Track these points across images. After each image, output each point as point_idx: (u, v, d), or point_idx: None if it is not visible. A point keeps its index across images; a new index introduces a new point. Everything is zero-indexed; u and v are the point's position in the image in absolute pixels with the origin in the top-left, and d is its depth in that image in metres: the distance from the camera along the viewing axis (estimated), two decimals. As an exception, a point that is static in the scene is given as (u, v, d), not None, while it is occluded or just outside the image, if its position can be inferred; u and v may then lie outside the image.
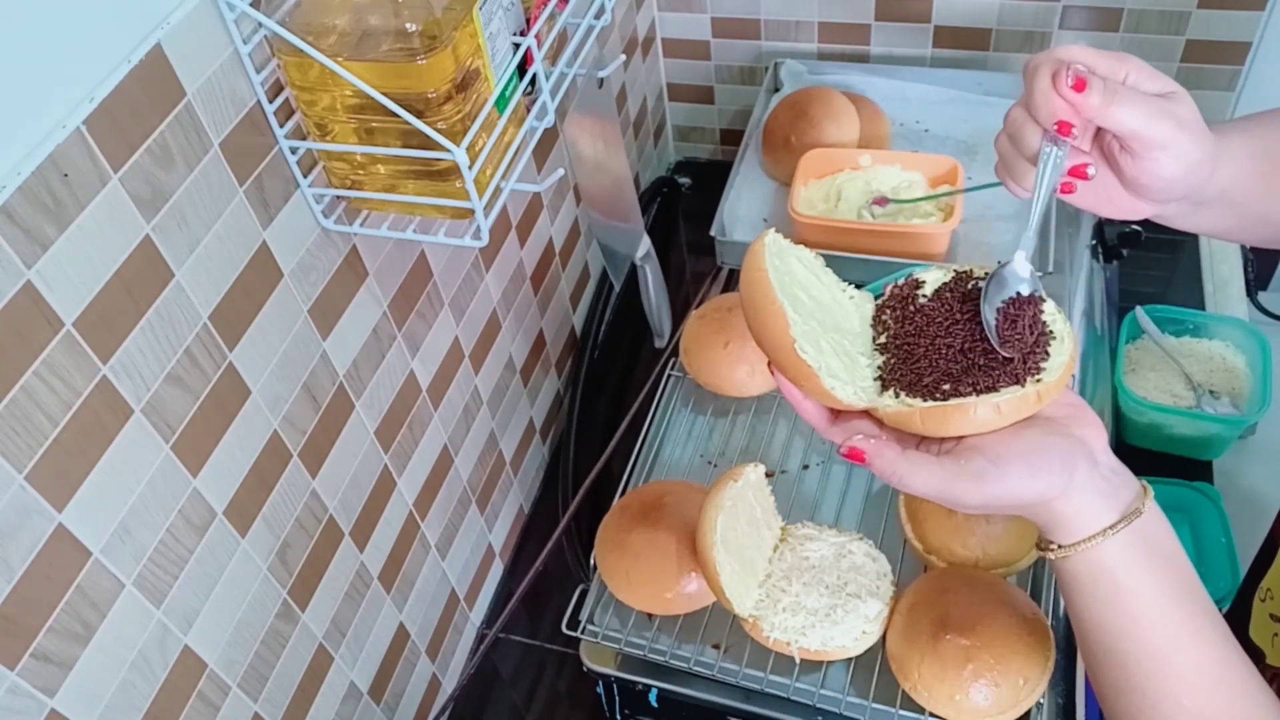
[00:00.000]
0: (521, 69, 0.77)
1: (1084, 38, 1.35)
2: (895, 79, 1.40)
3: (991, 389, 0.57)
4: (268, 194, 0.73)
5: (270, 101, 0.71)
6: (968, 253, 1.18)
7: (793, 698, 0.86)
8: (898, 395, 0.59)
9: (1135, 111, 0.56)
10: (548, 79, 0.80)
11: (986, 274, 0.63)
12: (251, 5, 0.66)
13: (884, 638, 0.85)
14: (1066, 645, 0.88)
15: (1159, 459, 1.23)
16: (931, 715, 0.82)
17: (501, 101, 0.75)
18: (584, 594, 0.95)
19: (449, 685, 1.14)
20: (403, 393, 0.96)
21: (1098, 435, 0.58)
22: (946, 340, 0.61)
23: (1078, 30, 1.34)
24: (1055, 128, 0.57)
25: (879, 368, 0.62)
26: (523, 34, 0.78)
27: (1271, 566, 0.80)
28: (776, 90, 1.44)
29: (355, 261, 0.85)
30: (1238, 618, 0.82)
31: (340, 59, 0.66)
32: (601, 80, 0.92)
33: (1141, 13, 1.31)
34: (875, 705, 0.85)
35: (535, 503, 1.32)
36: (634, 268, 1.10)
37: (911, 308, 0.64)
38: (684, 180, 1.65)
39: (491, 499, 1.19)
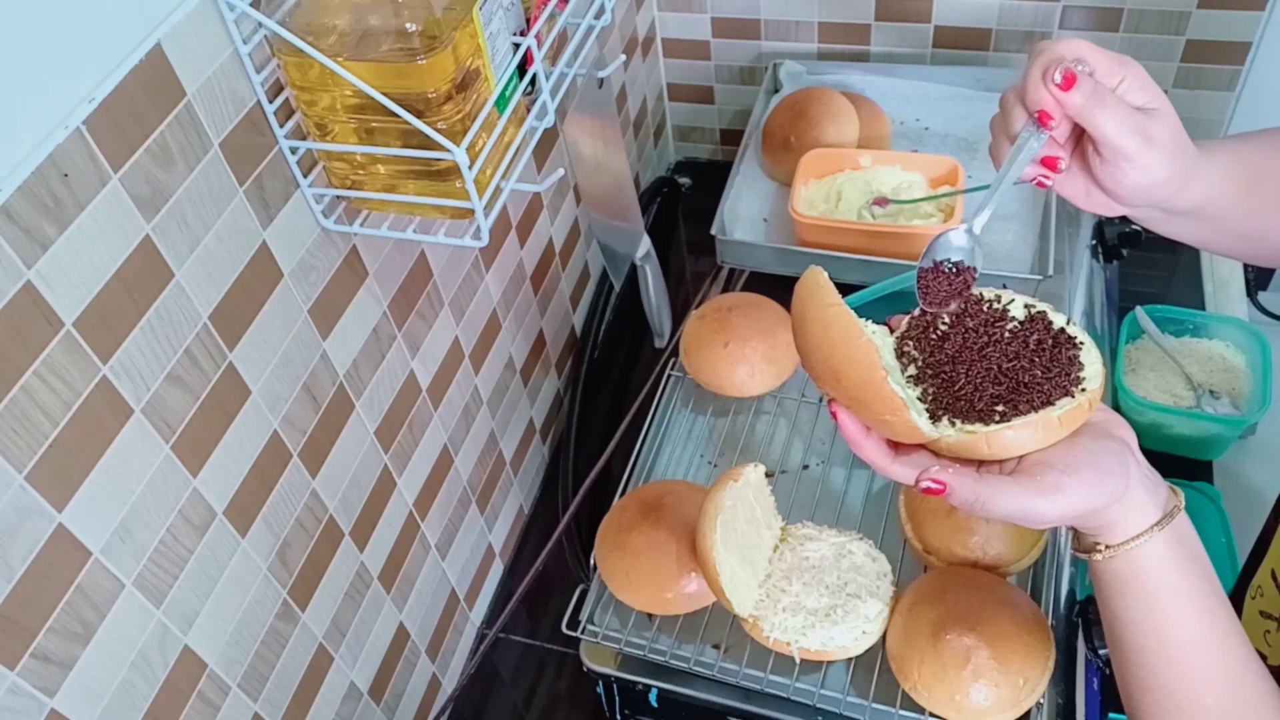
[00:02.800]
0: (521, 69, 0.77)
1: (1083, 38, 1.34)
2: (895, 77, 1.40)
3: (1047, 403, 0.59)
4: (268, 194, 0.73)
5: (270, 101, 0.71)
6: (968, 253, 1.17)
7: (793, 698, 0.86)
8: (954, 424, 0.60)
9: (1111, 119, 0.58)
10: (548, 79, 0.80)
11: (998, 297, 0.65)
12: (251, 5, 0.66)
13: (884, 638, 0.85)
14: (1066, 645, 0.88)
15: (1159, 459, 1.22)
16: (931, 715, 0.82)
17: (501, 101, 0.75)
18: (584, 594, 0.95)
19: (449, 685, 1.14)
20: (403, 393, 0.96)
21: (1130, 435, 0.61)
22: (984, 365, 0.62)
23: (1078, 30, 1.34)
24: (1036, 115, 0.60)
25: (920, 399, 0.62)
26: (523, 34, 0.78)
27: (1263, 563, 0.81)
28: (776, 90, 1.44)
29: (355, 261, 0.85)
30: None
31: (340, 59, 0.66)
32: (601, 80, 0.92)
33: (1141, 13, 1.31)
34: (875, 705, 0.85)
35: (535, 503, 1.32)
36: (634, 268, 1.10)
37: (935, 336, 0.64)
38: (684, 180, 1.65)
39: (491, 499, 1.19)
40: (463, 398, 1.08)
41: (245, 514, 0.76)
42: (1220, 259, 1.40)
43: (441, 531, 1.08)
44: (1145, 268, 1.39)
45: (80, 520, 0.61)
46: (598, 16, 0.88)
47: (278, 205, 0.74)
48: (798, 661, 0.84)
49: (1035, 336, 0.63)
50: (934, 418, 0.60)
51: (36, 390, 0.57)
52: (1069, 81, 0.58)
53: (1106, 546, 0.59)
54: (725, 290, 1.25)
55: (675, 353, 1.12)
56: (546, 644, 1.18)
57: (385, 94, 0.66)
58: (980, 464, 0.60)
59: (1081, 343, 0.62)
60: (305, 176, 0.76)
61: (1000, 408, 0.59)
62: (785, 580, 0.86)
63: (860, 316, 0.64)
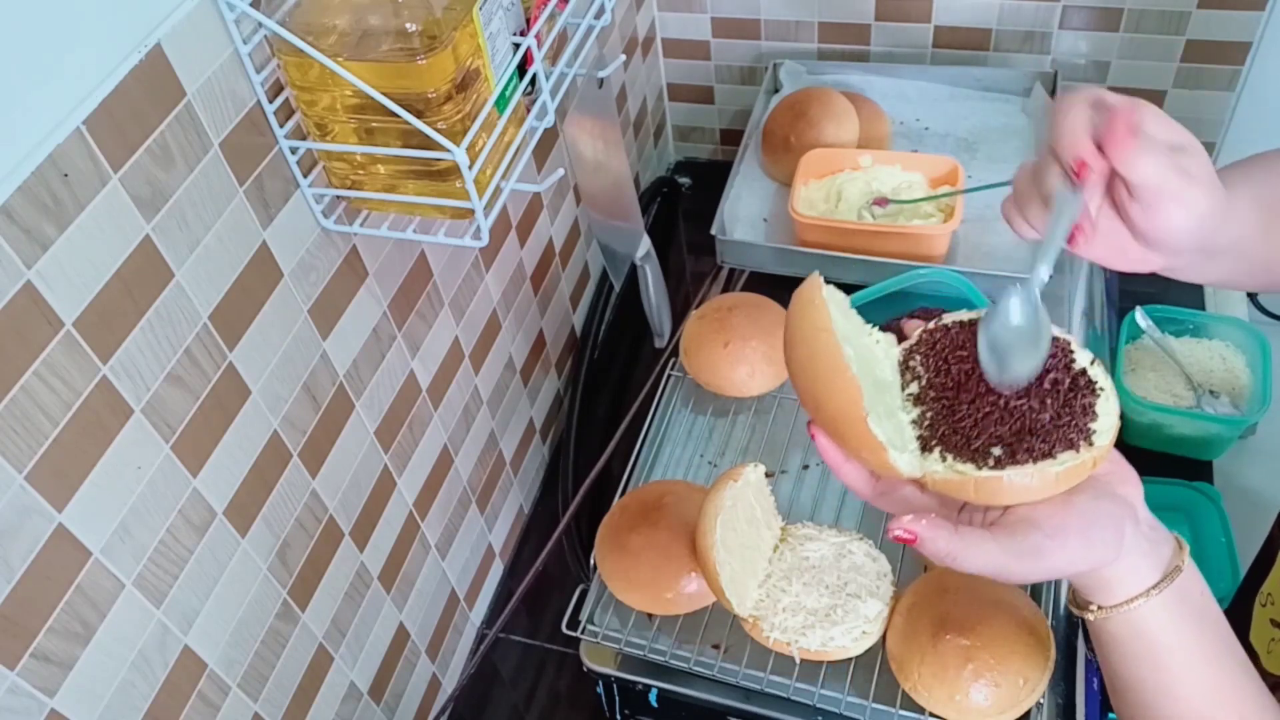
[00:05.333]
0: (521, 69, 0.77)
1: (1084, 38, 1.35)
2: (895, 77, 1.40)
3: (1048, 455, 0.54)
4: (268, 194, 0.73)
5: (270, 101, 0.71)
6: (968, 254, 1.18)
7: (793, 698, 0.86)
8: (944, 458, 0.55)
9: (1150, 161, 0.54)
10: (548, 79, 0.80)
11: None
12: (251, 5, 0.66)
13: (884, 638, 0.85)
14: (1066, 645, 0.88)
15: (1159, 459, 1.23)
16: (931, 715, 0.82)
17: (501, 101, 0.75)
18: (584, 594, 0.95)
19: (449, 685, 1.14)
20: (403, 393, 0.96)
21: (1137, 491, 0.57)
22: (990, 397, 0.56)
23: (1078, 30, 1.35)
24: (1075, 168, 0.55)
25: (915, 422, 0.58)
26: (523, 34, 0.78)
27: (1272, 571, 0.80)
28: (776, 90, 1.44)
29: (355, 261, 0.85)
30: (1236, 620, 0.82)
31: (340, 59, 0.66)
32: (601, 80, 0.92)
33: (1141, 13, 1.31)
34: (875, 705, 0.85)
35: (535, 503, 1.32)
36: (634, 268, 1.10)
37: (946, 355, 0.59)
38: (684, 180, 1.65)
39: (491, 499, 1.19)
40: (463, 398, 1.08)
41: (245, 514, 0.76)
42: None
43: (441, 531, 1.08)
44: (1145, 268, 1.39)
45: (80, 520, 0.61)
46: (598, 16, 0.88)
47: (278, 205, 0.74)
48: (798, 661, 0.84)
49: (1053, 374, 0.57)
50: (925, 446, 0.56)
51: (36, 390, 0.57)
52: (1127, 132, 0.54)
53: (1100, 607, 0.56)
54: (725, 290, 1.25)
55: (675, 353, 1.12)
56: (546, 644, 1.18)
57: (385, 94, 0.66)
58: (964, 505, 0.57)
59: (1101, 389, 0.56)
60: (305, 176, 0.76)
61: (997, 450, 0.54)
62: (785, 580, 0.86)
63: (867, 321, 0.61)
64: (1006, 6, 1.35)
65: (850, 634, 0.83)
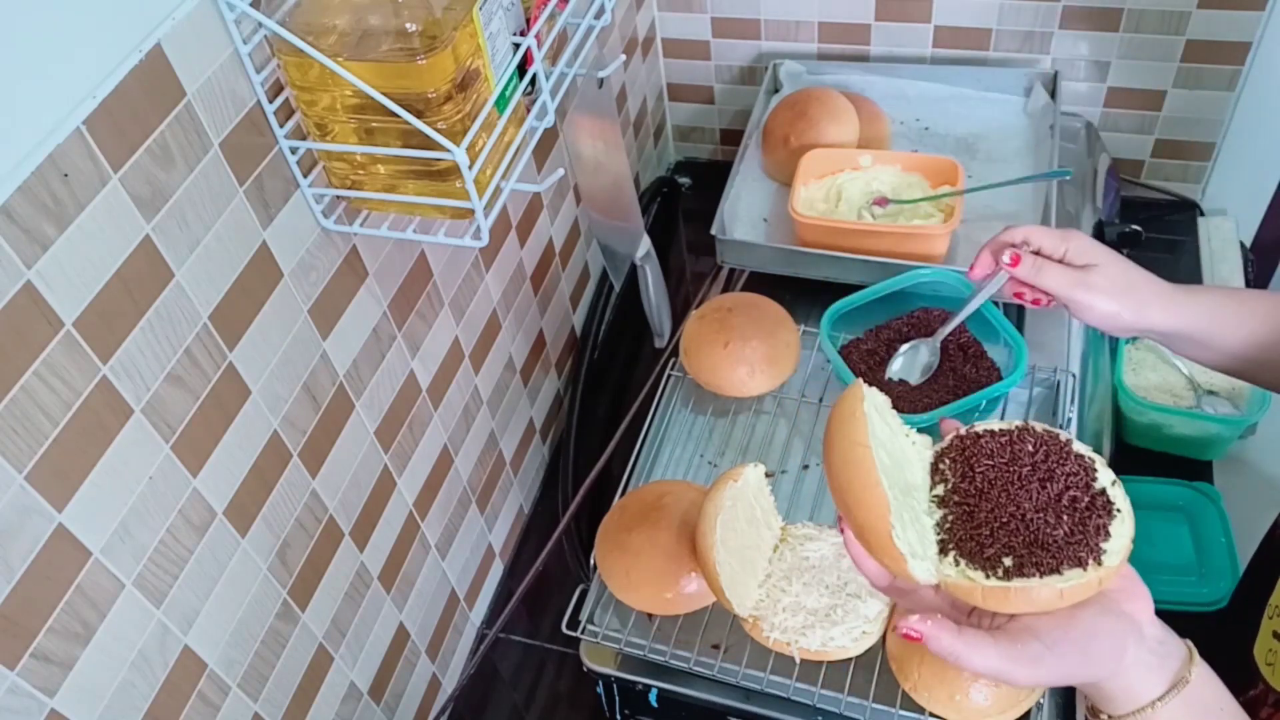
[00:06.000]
0: (521, 69, 0.77)
1: (1084, 38, 1.35)
2: (895, 77, 1.40)
3: (1055, 570, 0.56)
4: (268, 194, 0.73)
5: (270, 101, 0.71)
6: (968, 254, 1.17)
7: (793, 698, 0.86)
8: (958, 563, 0.59)
9: (1054, 282, 0.79)
10: (548, 79, 0.80)
11: (1059, 431, 0.63)
12: (251, 5, 0.66)
13: (884, 638, 0.85)
14: (1066, 645, 0.88)
15: (1159, 459, 1.23)
16: (931, 715, 0.82)
17: (501, 101, 0.75)
18: (584, 594, 0.95)
19: (449, 685, 1.14)
20: (403, 393, 0.96)
21: (1145, 607, 0.59)
22: (1010, 508, 0.60)
23: (1078, 30, 1.35)
24: (1011, 258, 0.81)
25: (937, 525, 0.61)
26: (523, 34, 0.78)
27: (1278, 584, 0.80)
28: (776, 90, 1.44)
29: (355, 261, 0.85)
30: (1235, 623, 0.82)
31: (340, 59, 0.66)
32: (601, 80, 0.92)
33: (1141, 13, 1.31)
34: (875, 705, 0.85)
35: (535, 503, 1.32)
36: (634, 268, 1.10)
37: (973, 461, 0.63)
38: (684, 180, 1.65)
39: (491, 499, 1.19)
40: (463, 398, 1.08)
41: (245, 514, 0.76)
42: (1220, 259, 1.40)
43: (441, 531, 1.08)
44: (1145, 268, 1.39)
45: (80, 520, 0.61)
46: (598, 16, 0.88)
47: (278, 205, 0.74)
48: (798, 661, 0.84)
49: (1072, 492, 0.60)
50: (943, 549, 0.60)
51: (36, 390, 0.57)
52: (1015, 260, 0.80)
53: (1110, 716, 0.58)
54: (725, 290, 1.25)
55: (675, 353, 1.12)
56: (546, 644, 1.18)
57: (385, 94, 0.66)
58: (974, 608, 0.60)
59: (1118, 511, 0.59)
60: (305, 176, 0.76)
61: (1008, 560, 0.57)
62: (785, 580, 0.86)
63: (902, 420, 0.65)
64: (1006, 6, 1.35)
65: (850, 634, 0.83)
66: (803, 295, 1.15)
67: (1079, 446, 0.62)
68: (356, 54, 0.66)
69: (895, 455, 0.62)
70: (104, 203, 0.59)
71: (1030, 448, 0.62)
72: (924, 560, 0.59)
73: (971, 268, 0.85)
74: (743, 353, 1.04)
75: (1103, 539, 0.57)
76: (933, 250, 1.15)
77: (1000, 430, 0.64)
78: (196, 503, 0.71)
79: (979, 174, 1.25)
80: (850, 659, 0.87)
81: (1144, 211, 1.46)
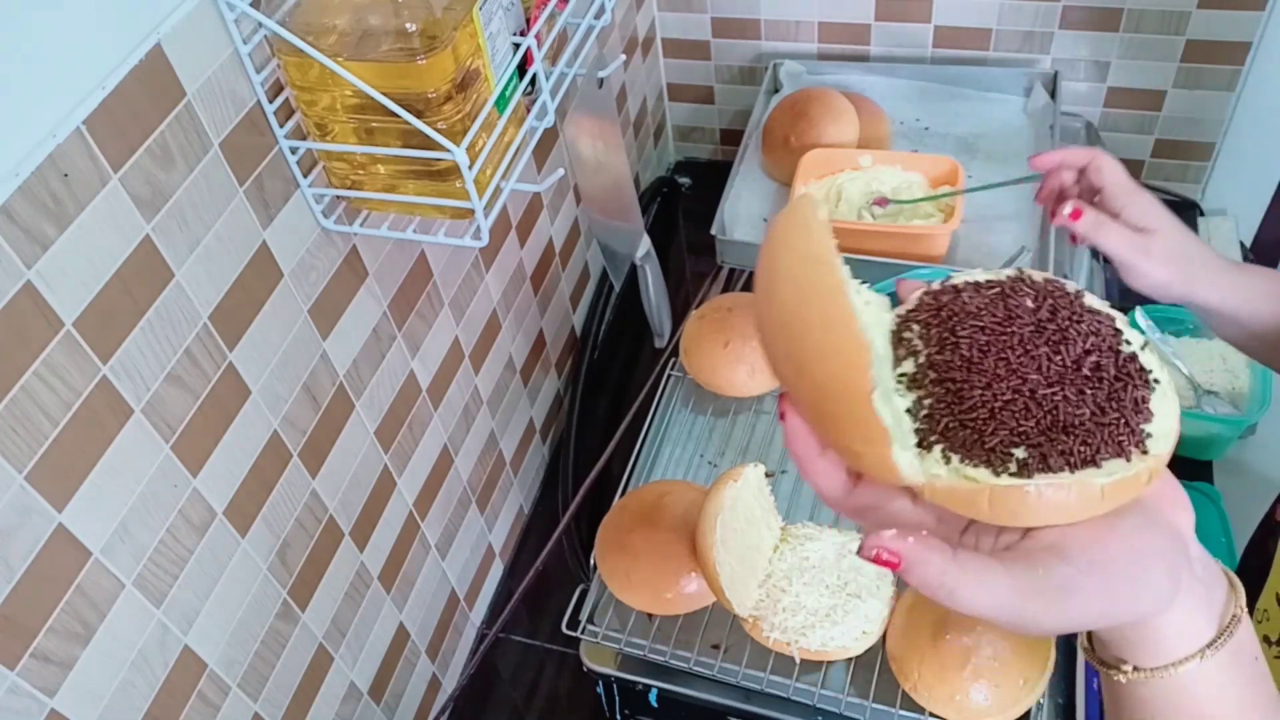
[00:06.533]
0: (521, 69, 0.77)
1: (1084, 38, 1.35)
2: (895, 77, 1.40)
3: (1090, 461, 0.40)
4: (268, 194, 0.73)
5: (270, 101, 0.71)
6: (968, 254, 1.18)
7: (793, 698, 0.86)
8: (948, 459, 0.41)
9: (1114, 244, 0.75)
10: (548, 79, 0.80)
11: (1064, 281, 0.47)
12: (251, 5, 0.66)
13: (884, 638, 0.85)
14: (1066, 645, 0.88)
15: (1159, 459, 1.23)
16: (931, 715, 0.82)
17: (501, 101, 0.75)
18: (584, 594, 0.95)
19: (449, 685, 1.14)
20: (403, 393, 0.96)
21: (1188, 518, 0.45)
22: (1012, 382, 0.42)
23: (1078, 30, 1.34)
24: (1073, 210, 0.76)
25: (910, 412, 0.43)
26: (523, 34, 0.78)
27: (1266, 585, 0.80)
28: (776, 90, 1.44)
29: (355, 261, 0.85)
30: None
31: (340, 59, 0.66)
32: (601, 80, 0.92)
33: (1141, 13, 1.31)
34: (875, 705, 0.85)
35: (535, 503, 1.32)
36: (634, 268, 1.10)
37: (953, 325, 0.45)
38: (684, 180, 1.65)
39: (491, 499, 1.19)
40: (463, 398, 1.08)
41: (245, 514, 0.76)
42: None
43: (441, 531, 1.08)
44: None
45: (80, 520, 0.61)
46: (598, 16, 0.88)
47: (278, 205, 0.74)
48: (798, 661, 0.84)
49: (1095, 357, 0.43)
50: (924, 443, 0.42)
51: (36, 390, 0.57)
52: (1076, 214, 0.76)
53: (1135, 668, 0.43)
54: (725, 290, 1.25)
55: (675, 353, 1.12)
56: (546, 644, 1.18)
57: (385, 94, 0.66)
58: (970, 523, 0.44)
59: (1157, 381, 0.43)
60: (305, 176, 0.76)
61: (1020, 452, 0.41)
62: (785, 580, 0.86)
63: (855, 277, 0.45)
64: (1006, 6, 1.35)
65: (850, 634, 0.83)
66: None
67: (1093, 300, 0.46)
68: (356, 54, 0.66)
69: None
70: (104, 203, 0.59)
71: (1030, 302, 0.45)
72: (906, 450, 0.42)
73: (1038, 158, 0.81)
74: (743, 353, 1.04)
75: (1144, 419, 0.42)
76: (933, 250, 1.15)
77: (988, 282, 0.46)
78: (196, 503, 0.71)
79: (979, 174, 1.25)
80: (850, 659, 0.87)
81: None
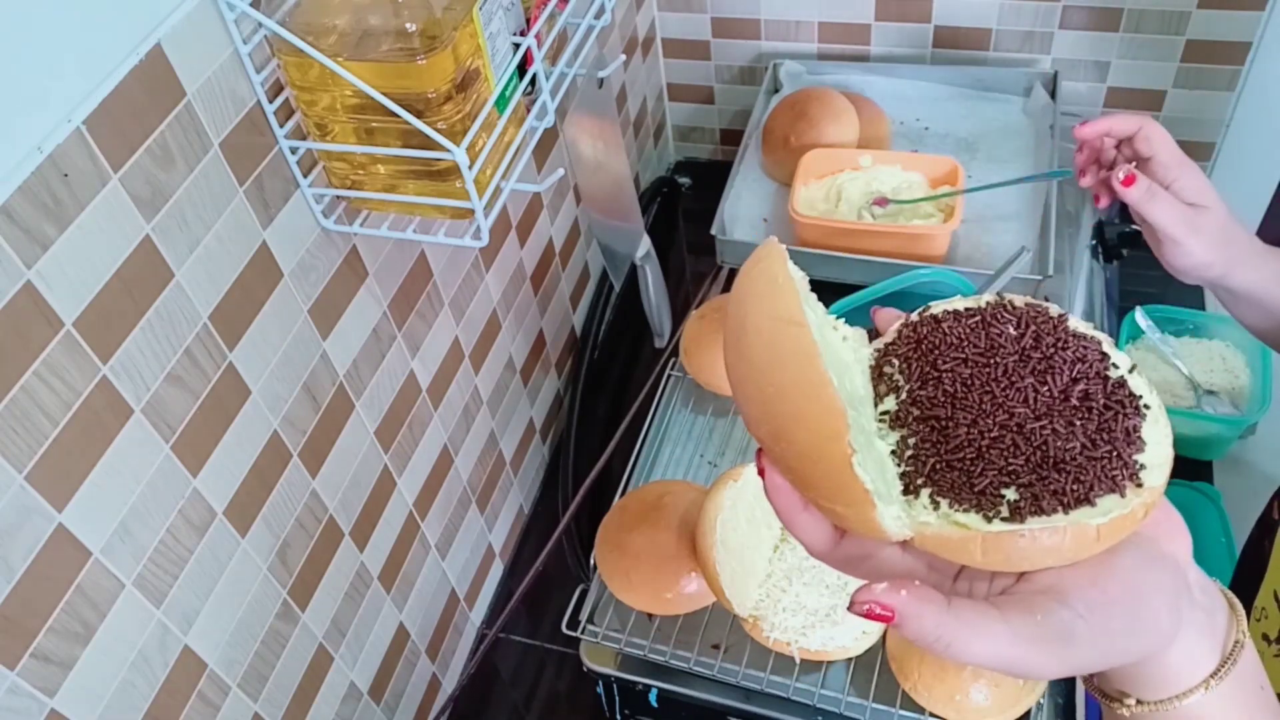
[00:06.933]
0: (521, 69, 0.77)
1: (1084, 38, 1.35)
2: (895, 77, 1.40)
3: (1083, 499, 0.39)
4: (268, 194, 0.73)
5: (270, 101, 0.71)
6: (968, 254, 1.18)
7: (793, 698, 0.86)
8: (937, 505, 0.40)
9: (1163, 216, 0.73)
10: (548, 79, 0.80)
11: (1047, 305, 0.45)
12: (251, 5, 0.66)
13: (884, 638, 0.85)
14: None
15: (1159, 459, 1.23)
16: (931, 715, 0.82)
17: (501, 101, 0.75)
18: (584, 594, 0.95)
19: (449, 685, 1.14)
20: (403, 393, 0.96)
21: (1185, 545, 0.44)
22: (999, 417, 0.41)
23: (1078, 30, 1.34)
24: (1126, 177, 0.75)
25: (895, 454, 0.42)
26: (523, 34, 0.78)
27: (1264, 583, 0.80)
28: (776, 90, 1.44)
29: (355, 261, 0.85)
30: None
31: (340, 59, 0.66)
32: (601, 80, 0.92)
33: (1141, 13, 1.31)
34: (875, 705, 0.85)
35: (535, 503, 1.32)
36: (634, 268, 1.10)
37: (934, 358, 0.43)
38: (684, 180, 1.65)
39: (491, 499, 1.19)
40: (463, 398, 1.08)
41: (245, 514, 0.76)
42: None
43: (441, 531, 1.08)
44: (1145, 268, 1.38)
45: (80, 520, 0.61)
46: (598, 16, 0.88)
47: (278, 205, 0.74)
48: (798, 661, 0.84)
49: (1082, 385, 0.41)
50: (910, 488, 0.40)
51: (36, 390, 0.57)
52: (1129, 180, 0.74)
53: (1139, 701, 0.42)
54: (725, 290, 1.25)
55: (675, 353, 1.12)
56: (546, 644, 1.18)
57: (385, 94, 0.66)
58: (963, 568, 0.42)
59: (1147, 407, 0.41)
60: (305, 176, 0.76)
61: (1011, 493, 0.39)
62: (785, 580, 0.86)
63: (830, 313, 0.45)
64: (1006, 6, 1.35)
65: (850, 634, 0.83)
66: (803, 295, 1.15)
67: (1077, 323, 0.44)
68: (356, 54, 0.66)
69: (830, 356, 0.41)
70: (104, 203, 0.59)
71: (1013, 330, 0.43)
72: (892, 505, 0.40)
73: (1083, 127, 0.80)
74: (743, 353, 1.04)
75: (1135, 449, 0.40)
76: (933, 250, 1.15)
77: (967, 310, 0.44)
78: (196, 503, 0.71)
79: (979, 174, 1.25)
80: (850, 659, 0.87)
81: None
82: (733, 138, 1.63)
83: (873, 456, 0.41)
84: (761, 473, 0.43)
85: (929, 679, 0.81)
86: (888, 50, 1.44)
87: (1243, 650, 0.43)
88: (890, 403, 0.43)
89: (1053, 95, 1.32)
